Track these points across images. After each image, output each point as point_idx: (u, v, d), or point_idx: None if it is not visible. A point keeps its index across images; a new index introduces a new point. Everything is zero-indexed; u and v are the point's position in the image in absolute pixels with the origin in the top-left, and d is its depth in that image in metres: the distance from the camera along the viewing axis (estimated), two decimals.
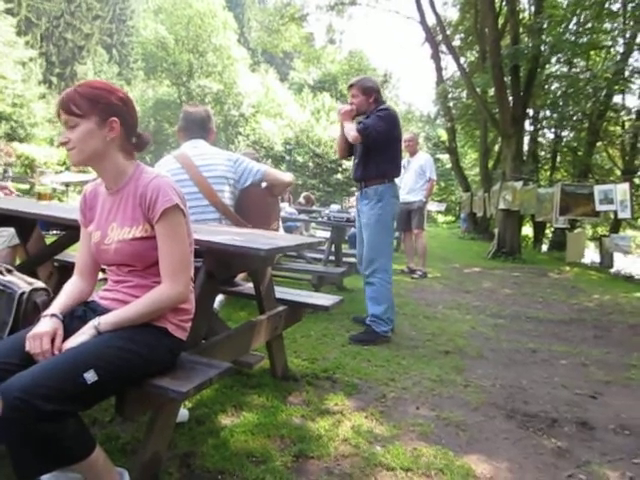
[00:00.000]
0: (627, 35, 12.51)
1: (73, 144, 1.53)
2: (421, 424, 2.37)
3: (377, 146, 3.69)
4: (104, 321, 1.50)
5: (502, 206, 11.42)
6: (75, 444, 1.32)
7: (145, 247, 1.58)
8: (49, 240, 2.83)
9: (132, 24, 52.19)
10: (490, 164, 17.63)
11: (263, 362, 2.65)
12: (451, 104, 17.66)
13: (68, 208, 1.92)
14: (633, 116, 14.03)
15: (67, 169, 25.26)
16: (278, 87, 45.50)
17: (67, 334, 1.50)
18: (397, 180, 3.93)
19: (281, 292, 2.83)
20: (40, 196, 3.29)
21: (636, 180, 12.07)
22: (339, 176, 32.74)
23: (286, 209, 6.82)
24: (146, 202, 1.56)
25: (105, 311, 1.57)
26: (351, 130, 3.70)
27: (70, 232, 2.58)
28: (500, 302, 5.80)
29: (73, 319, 1.59)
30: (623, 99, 14.68)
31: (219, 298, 3.62)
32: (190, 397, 1.99)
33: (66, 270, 1.78)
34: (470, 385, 2.96)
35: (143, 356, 1.48)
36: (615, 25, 12.99)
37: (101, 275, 1.83)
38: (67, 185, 22.88)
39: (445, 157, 27.28)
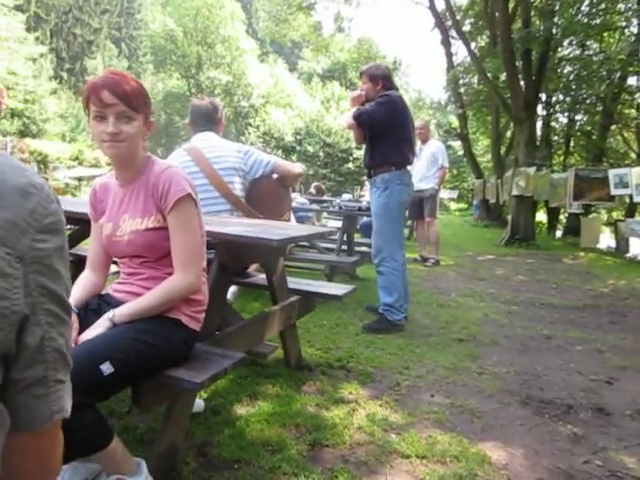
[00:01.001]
0: None
1: (125, 137, 1.52)
2: (436, 412, 2.37)
3: (376, 132, 3.67)
4: (119, 313, 1.51)
5: (515, 192, 11.33)
6: (93, 435, 1.34)
7: (158, 237, 1.60)
8: None
9: (140, 17, 52.19)
10: (502, 150, 17.47)
11: (277, 352, 2.66)
12: (462, 90, 17.47)
13: (81, 202, 1.93)
14: None
15: (80, 164, 25.46)
16: (287, 77, 45.32)
17: (82, 327, 1.52)
18: (409, 167, 3.88)
19: (294, 282, 2.83)
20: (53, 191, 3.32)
21: None
22: (350, 165, 32.64)
23: (297, 199, 6.82)
24: (158, 192, 1.58)
25: (119, 304, 1.58)
26: (348, 117, 3.71)
27: (83, 226, 2.61)
28: (514, 289, 5.77)
29: (88, 312, 1.61)
30: (638, 81, 14.48)
31: (232, 289, 3.64)
32: (205, 387, 2.01)
33: (80, 264, 1.80)
34: (484, 372, 2.95)
35: (158, 347, 1.50)
36: (629, 5, 12.74)
37: (114, 268, 1.85)
38: (80, 179, 23.08)
39: (457, 144, 27.07)
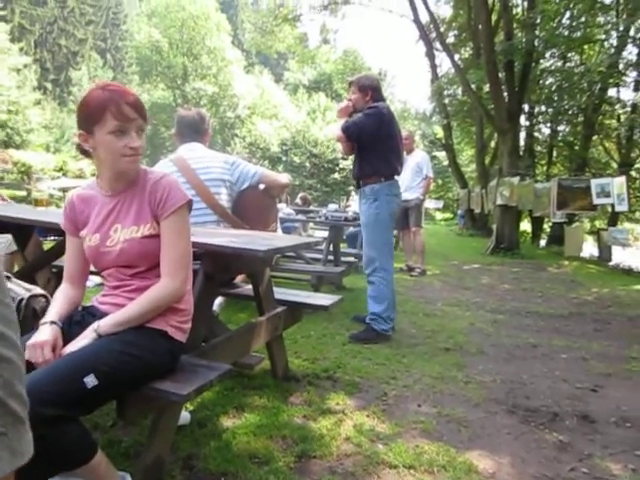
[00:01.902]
0: (620, 28, 12.51)
1: (143, 151, 1.58)
2: (423, 421, 2.37)
3: (365, 144, 3.70)
4: (103, 324, 1.50)
5: (500, 202, 11.44)
6: (76, 449, 1.31)
7: (154, 246, 1.60)
8: (47, 246, 2.83)
9: (126, 28, 52.22)
10: (487, 160, 17.66)
11: (264, 363, 2.65)
12: (446, 101, 17.68)
13: (63, 213, 1.92)
14: (628, 109, 14.05)
15: (64, 175, 25.24)
16: (273, 88, 45.50)
17: (67, 340, 1.50)
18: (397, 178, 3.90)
19: (280, 293, 2.83)
20: (37, 202, 3.29)
21: (633, 173, 12.09)
22: (336, 176, 32.74)
23: (284, 210, 6.83)
24: (156, 199, 1.59)
25: (104, 316, 1.56)
26: (337, 129, 3.74)
27: None
28: (499, 298, 5.81)
29: (72, 325, 1.59)
30: (618, 92, 14.74)
31: (218, 300, 3.63)
32: (191, 399, 1.99)
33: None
34: (471, 381, 2.96)
35: (143, 359, 1.48)
36: (608, 18, 13.02)
37: (99, 280, 1.83)
38: (64, 191, 22.84)
39: (442, 154, 27.27)
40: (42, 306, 1.71)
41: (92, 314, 1.64)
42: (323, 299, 2.87)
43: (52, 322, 1.51)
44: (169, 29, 40.07)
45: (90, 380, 1.33)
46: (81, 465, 1.34)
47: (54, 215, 2.60)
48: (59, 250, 2.69)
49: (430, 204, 25.52)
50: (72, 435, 1.30)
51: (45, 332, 1.47)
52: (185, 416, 2.16)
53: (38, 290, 1.76)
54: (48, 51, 49.61)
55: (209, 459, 1.92)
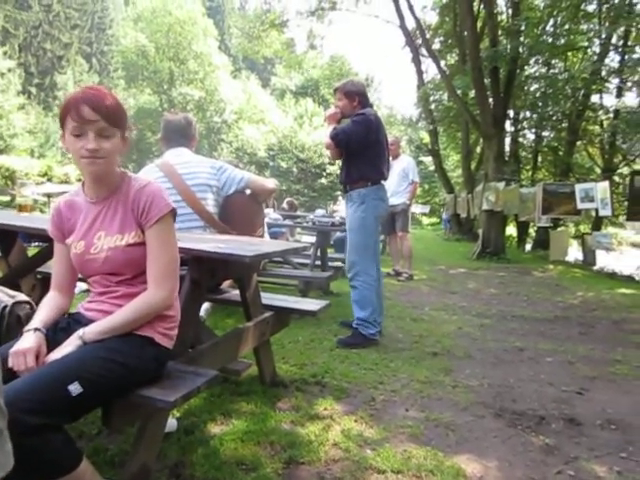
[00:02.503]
0: (603, 36, 12.72)
1: (105, 154, 1.51)
2: (411, 426, 2.38)
3: (353, 150, 3.71)
4: (89, 331, 1.48)
5: (485, 207, 11.53)
6: (61, 457, 1.29)
7: (138, 254, 1.58)
8: (31, 252, 2.80)
9: (111, 33, 51.96)
10: (473, 165, 17.79)
11: (251, 369, 2.64)
12: (432, 107, 17.78)
13: (50, 219, 1.90)
14: (611, 115, 14.24)
15: (49, 180, 24.98)
16: (260, 93, 45.55)
17: (51, 347, 1.48)
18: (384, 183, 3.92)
19: (268, 298, 2.82)
20: (21, 208, 3.25)
21: (616, 178, 12.26)
22: (323, 181, 32.81)
23: (271, 215, 6.81)
24: (140, 208, 1.57)
25: (90, 322, 1.55)
26: (325, 136, 3.76)
27: (52, 244, 2.56)
28: (486, 302, 5.84)
29: (57, 331, 1.57)
30: (601, 98, 14.91)
31: (205, 306, 3.61)
32: (178, 406, 1.98)
33: (49, 282, 1.76)
34: (458, 385, 2.97)
35: (129, 366, 1.47)
36: (591, 26, 13.22)
37: (84, 286, 1.82)
38: (49, 196, 22.59)
39: (428, 159, 27.42)
40: (26, 313, 1.69)
41: (78, 321, 1.62)
42: (311, 304, 2.87)
43: (36, 329, 1.49)
44: (155, 34, 39.96)
45: (74, 388, 1.31)
46: (66, 474, 1.31)
47: (38, 221, 2.58)
48: (43, 256, 2.66)
49: (417, 209, 25.63)
50: (56, 444, 1.27)
51: (29, 339, 1.45)
52: (172, 423, 2.14)
53: (22, 297, 1.74)
54: (33, 55, 49.14)
55: (196, 466, 1.90)
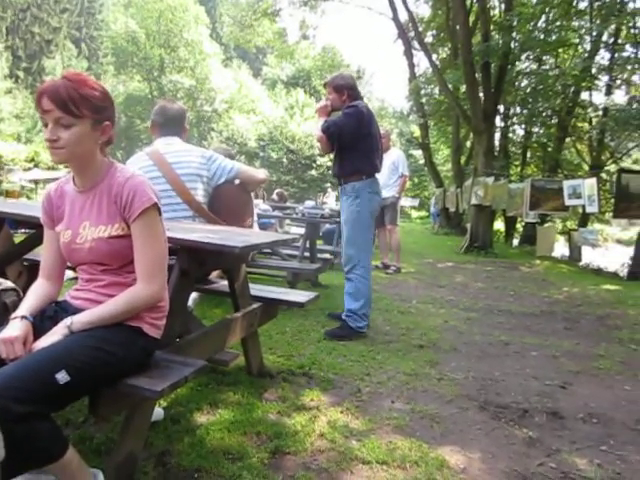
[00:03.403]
0: (594, 33, 12.77)
1: (64, 144, 1.48)
2: (396, 417, 2.40)
3: (345, 143, 3.71)
4: (77, 320, 1.48)
5: (474, 201, 11.59)
6: (47, 445, 1.29)
7: (122, 245, 1.57)
8: (18, 239, 2.78)
9: (101, 18, 51.12)
10: (462, 160, 17.85)
11: (238, 359, 2.64)
12: (424, 100, 17.79)
13: (37, 206, 1.87)
14: (600, 112, 14.34)
15: (36, 166, 24.71)
16: (251, 83, 45.21)
17: (38, 335, 1.47)
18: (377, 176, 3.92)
19: (256, 289, 2.82)
20: (8, 194, 3.22)
21: (603, 175, 12.36)
22: (313, 172, 32.72)
23: (260, 206, 6.80)
24: (122, 201, 1.55)
25: (77, 311, 1.54)
26: (317, 129, 3.75)
27: (39, 231, 2.53)
28: (473, 296, 5.89)
29: (44, 319, 1.56)
30: (590, 96, 15.04)
31: (193, 296, 3.60)
32: (165, 396, 1.98)
33: (36, 269, 1.74)
34: (444, 378, 3.00)
35: (116, 355, 1.47)
36: (582, 23, 13.27)
37: (72, 274, 1.80)
38: (36, 182, 22.39)
39: (418, 153, 27.48)
40: (13, 300, 1.68)
41: (64, 309, 1.61)
42: (299, 296, 2.87)
43: (23, 317, 1.49)
44: (146, 20, 39.43)
45: (62, 376, 1.31)
46: (52, 462, 1.32)
47: (25, 207, 2.55)
48: (31, 243, 2.64)
49: (406, 202, 25.72)
50: (43, 432, 1.28)
51: (15, 327, 1.45)
52: (158, 412, 2.14)
53: (9, 284, 1.73)
54: (20, 39, 48.34)
55: (182, 455, 1.91)
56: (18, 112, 37.22)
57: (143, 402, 1.68)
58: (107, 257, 1.58)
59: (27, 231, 2.71)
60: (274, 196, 9.92)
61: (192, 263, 2.01)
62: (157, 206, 1.58)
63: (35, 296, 1.62)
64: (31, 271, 2.65)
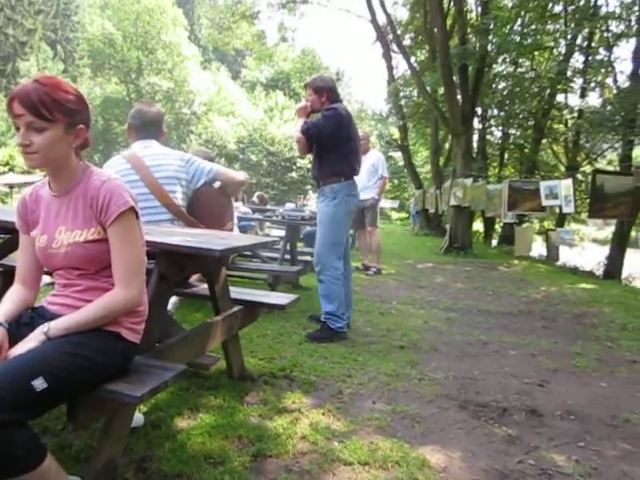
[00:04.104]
0: (568, 37, 13.01)
1: (37, 149, 1.46)
2: (377, 418, 2.41)
3: (324, 145, 3.72)
4: (54, 326, 1.46)
5: (453, 202, 11.69)
6: (24, 454, 1.27)
7: (98, 250, 1.55)
8: None
9: (77, 19, 50.55)
10: (441, 161, 17.98)
11: (219, 363, 2.63)
12: (402, 102, 17.91)
13: (12, 211, 1.83)
14: (575, 114, 14.59)
15: (11, 170, 24.28)
16: (230, 85, 45.06)
17: (14, 341, 1.45)
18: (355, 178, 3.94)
19: (237, 292, 2.81)
20: None
21: (579, 176, 12.57)
22: (294, 174, 32.73)
23: (240, 209, 6.78)
24: (98, 205, 1.53)
25: (54, 317, 1.52)
26: (296, 131, 3.76)
27: (14, 236, 2.49)
28: (452, 296, 5.94)
29: (20, 326, 1.54)
30: (566, 98, 15.27)
31: (173, 300, 3.57)
32: (145, 401, 1.96)
33: (11, 275, 1.72)
34: (424, 378, 3.03)
35: (95, 361, 1.45)
36: (557, 27, 13.50)
37: (49, 280, 1.78)
38: (11, 187, 22.02)
39: (398, 155, 27.61)
40: None
41: (41, 315, 1.59)
42: (280, 298, 2.87)
43: None
44: (123, 22, 39.07)
45: (39, 383, 1.29)
46: (29, 471, 1.29)
47: (0, 212, 2.51)
48: (5, 249, 2.59)
49: (386, 204, 25.82)
50: (20, 440, 1.25)
51: None
52: (138, 418, 2.12)
53: None
54: None
55: (163, 461, 1.89)
56: None
57: (123, 408, 1.67)
58: (83, 262, 1.57)
59: (2, 236, 2.66)
60: (254, 199, 9.89)
61: (171, 267, 2.00)
62: (134, 209, 1.56)
63: (11, 302, 1.59)
64: (5, 277, 2.60)
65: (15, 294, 1.64)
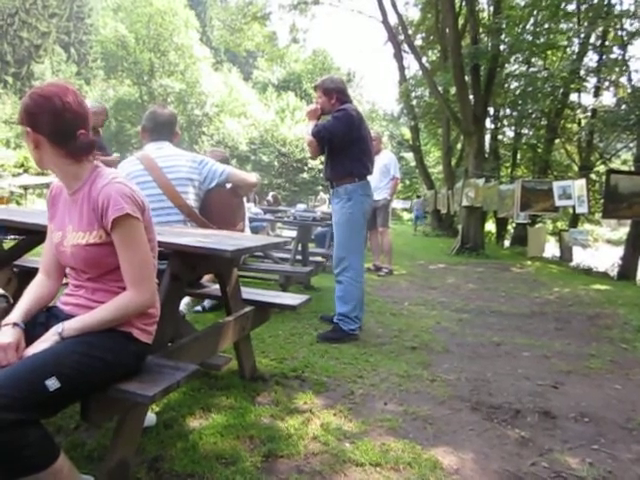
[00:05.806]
0: (581, 35, 12.89)
1: (35, 158, 1.57)
2: (389, 419, 2.40)
3: (336, 147, 3.72)
4: (68, 327, 1.47)
5: (465, 203, 11.63)
6: (38, 453, 1.28)
7: (100, 254, 1.55)
8: (7, 245, 2.76)
9: (90, 22, 50.95)
10: (453, 162, 17.92)
11: (231, 363, 2.63)
12: (414, 103, 17.87)
13: (27, 212, 1.86)
14: (588, 114, 14.45)
15: (25, 171, 24.54)
16: (242, 86, 45.21)
17: (30, 341, 1.47)
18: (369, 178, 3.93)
19: (248, 293, 2.82)
20: None
21: (592, 176, 12.45)
22: (305, 175, 32.79)
23: (252, 209, 6.80)
24: (99, 209, 1.52)
25: (68, 317, 1.53)
26: (307, 133, 3.76)
27: (30, 237, 2.52)
28: (464, 297, 5.91)
29: (36, 326, 1.55)
30: (579, 97, 15.14)
31: (185, 300, 3.59)
32: (157, 401, 1.97)
33: (26, 276, 1.74)
34: (436, 379, 3.01)
35: (107, 361, 1.46)
36: (570, 25, 13.38)
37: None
38: (26, 188, 22.23)
39: (409, 155, 27.56)
40: (2, 307, 1.67)
41: (56, 316, 1.60)
42: (291, 299, 2.87)
43: (15, 324, 1.48)
44: (135, 24, 39.37)
45: (52, 383, 1.30)
46: (43, 469, 1.31)
47: (15, 213, 2.54)
48: (20, 249, 2.62)
49: (398, 204, 25.76)
50: (34, 439, 1.27)
51: (7, 334, 1.44)
52: (151, 417, 2.14)
53: None
54: (9, 44, 48.02)
55: (175, 460, 1.90)
56: (7, 117, 36.94)
57: (135, 407, 1.68)
58: (85, 265, 1.57)
59: (16, 237, 2.69)
60: (269, 198, 9.94)
61: (183, 267, 2.01)
62: (131, 216, 1.51)
63: (28, 300, 1.61)
64: (21, 277, 2.64)
65: (36, 286, 1.66)
